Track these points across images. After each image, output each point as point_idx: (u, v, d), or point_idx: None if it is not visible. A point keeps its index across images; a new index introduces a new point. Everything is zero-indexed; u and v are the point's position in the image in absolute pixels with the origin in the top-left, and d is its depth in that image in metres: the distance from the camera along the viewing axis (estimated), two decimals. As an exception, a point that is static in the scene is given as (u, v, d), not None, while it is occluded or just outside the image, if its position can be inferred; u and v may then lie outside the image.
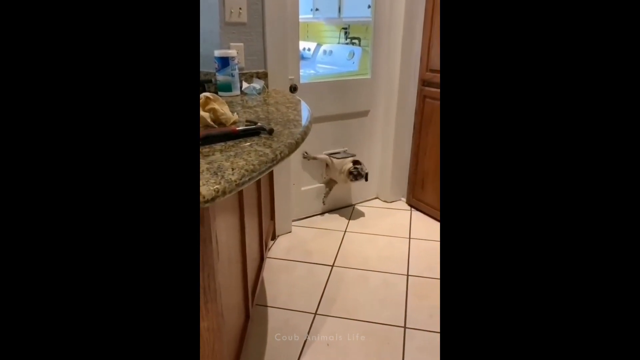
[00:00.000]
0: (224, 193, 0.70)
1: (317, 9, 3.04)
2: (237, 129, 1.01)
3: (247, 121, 1.14)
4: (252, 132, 1.03)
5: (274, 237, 2.23)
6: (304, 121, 1.21)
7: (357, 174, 2.26)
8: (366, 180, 2.31)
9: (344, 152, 2.44)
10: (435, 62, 2.25)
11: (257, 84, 1.70)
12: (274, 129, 1.06)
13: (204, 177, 0.73)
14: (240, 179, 0.75)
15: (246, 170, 0.77)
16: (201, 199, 0.67)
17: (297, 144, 1.01)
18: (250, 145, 0.94)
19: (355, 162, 2.31)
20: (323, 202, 2.48)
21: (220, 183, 0.71)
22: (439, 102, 2.28)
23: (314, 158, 2.37)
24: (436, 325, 1.60)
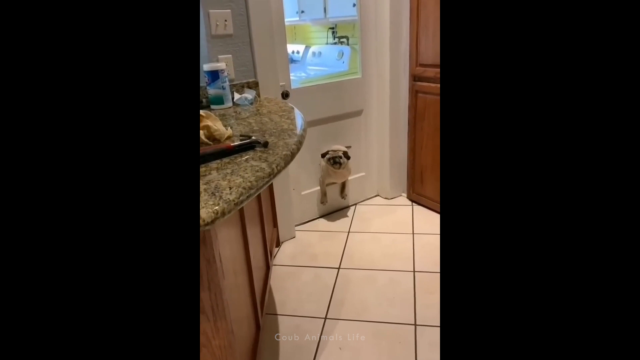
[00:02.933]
0: (223, 214, 0.70)
1: (302, 11, 3.04)
2: (232, 144, 1.01)
3: (241, 135, 1.14)
4: (247, 146, 1.03)
5: (278, 244, 2.24)
6: (298, 130, 1.21)
7: (334, 161, 2.30)
8: (348, 158, 2.33)
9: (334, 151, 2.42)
10: (424, 57, 2.25)
11: (249, 94, 1.71)
12: (269, 140, 1.06)
13: (202, 198, 0.73)
14: (239, 198, 0.75)
15: (244, 188, 0.78)
16: (201, 222, 0.68)
17: (292, 155, 1.01)
18: (246, 160, 0.94)
19: (324, 155, 2.35)
20: (322, 202, 2.49)
21: (219, 204, 0.71)
22: (431, 97, 2.28)
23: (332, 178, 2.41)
24: (446, 320, 1.60)
